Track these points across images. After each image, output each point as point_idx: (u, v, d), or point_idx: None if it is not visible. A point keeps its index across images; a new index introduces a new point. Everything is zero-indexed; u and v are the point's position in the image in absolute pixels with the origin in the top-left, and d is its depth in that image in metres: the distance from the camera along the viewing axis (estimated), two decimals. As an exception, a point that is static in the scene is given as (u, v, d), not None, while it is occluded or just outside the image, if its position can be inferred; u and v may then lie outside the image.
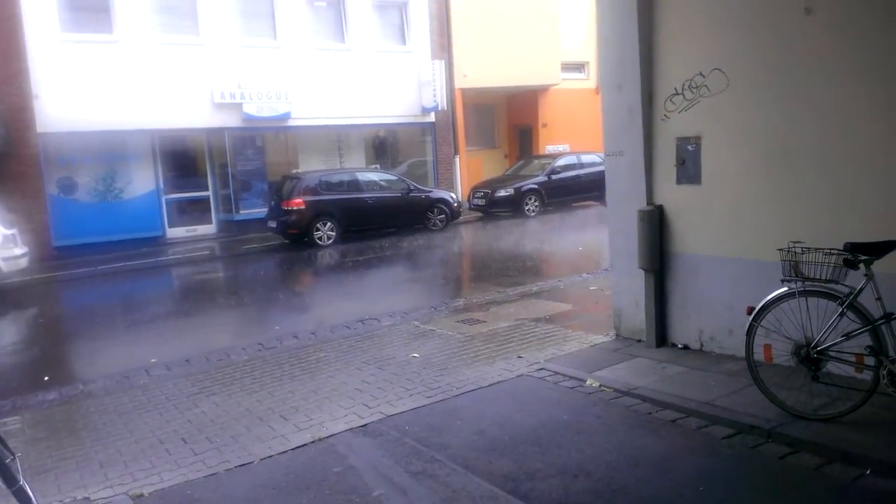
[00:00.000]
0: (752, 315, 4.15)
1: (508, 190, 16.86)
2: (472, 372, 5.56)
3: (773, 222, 4.76)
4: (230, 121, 16.32)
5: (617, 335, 6.11)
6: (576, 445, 4.00)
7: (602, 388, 4.88)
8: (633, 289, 5.82)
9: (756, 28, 4.76)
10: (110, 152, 15.30)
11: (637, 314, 5.83)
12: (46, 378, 6.38)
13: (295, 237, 14.39)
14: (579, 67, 22.40)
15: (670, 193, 5.47)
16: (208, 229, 16.71)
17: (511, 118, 22.73)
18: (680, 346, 5.53)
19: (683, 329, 5.51)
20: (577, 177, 17.79)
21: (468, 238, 15.19)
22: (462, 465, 3.87)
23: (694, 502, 3.33)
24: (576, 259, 11.55)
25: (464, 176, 19.81)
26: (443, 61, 18.59)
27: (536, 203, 16.99)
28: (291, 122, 17.11)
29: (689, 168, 5.31)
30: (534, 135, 22.02)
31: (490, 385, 5.21)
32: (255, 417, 4.96)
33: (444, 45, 19.19)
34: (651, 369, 5.13)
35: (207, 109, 15.95)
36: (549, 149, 21.32)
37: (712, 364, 5.08)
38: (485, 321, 7.27)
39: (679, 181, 5.39)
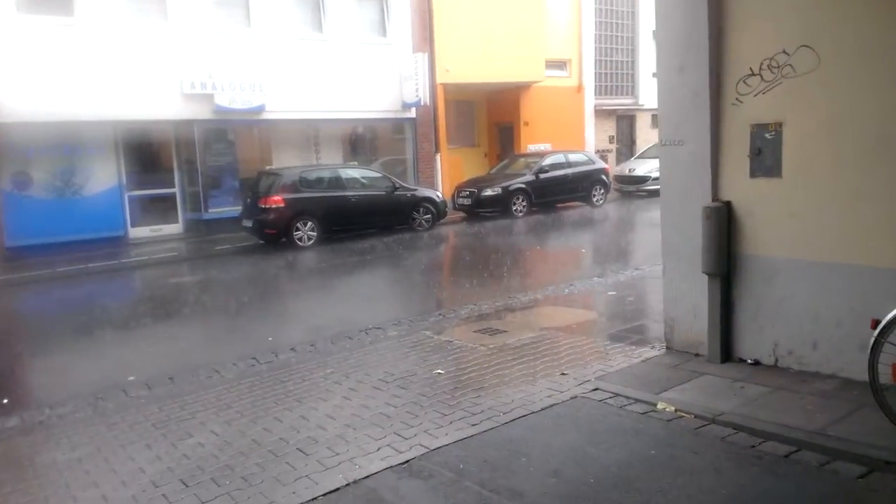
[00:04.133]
0: (878, 329, 3.50)
1: (496, 189, 16.16)
2: (514, 392, 4.81)
3: (873, 222, 4.14)
4: (200, 112, 15.24)
5: (668, 348, 5.44)
6: (683, 491, 3.28)
7: (679, 413, 4.18)
8: (692, 296, 5.15)
9: (856, -2, 4.13)
10: (70, 145, 14.07)
11: (695, 325, 5.16)
12: (4, 401, 5.41)
13: (272, 238, 13.43)
14: (562, 65, 21.88)
15: (742, 188, 4.81)
16: (174, 229, 15.59)
17: (491, 115, 22.08)
18: (749, 361, 4.88)
19: (754, 342, 4.86)
20: (565, 176, 17.22)
21: (458, 239, 14.41)
22: (549, 520, 3.11)
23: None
24: (580, 262, 10.93)
25: (445, 174, 19.07)
26: (425, 55, 17.81)
27: (524, 203, 16.34)
28: (266, 116, 16.10)
29: (766, 159, 4.66)
30: (515, 133, 21.40)
31: (543, 409, 4.47)
32: (266, 451, 4.12)
33: (425, 38, 18.41)
34: (727, 390, 4.46)
35: (176, 100, 14.86)
36: (531, 147, 20.74)
37: (797, 383, 4.44)
38: (505, 331, 6.54)
39: (753, 174, 4.74)
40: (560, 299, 7.88)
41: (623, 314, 6.98)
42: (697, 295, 5.11)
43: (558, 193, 17.16)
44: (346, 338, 6.67)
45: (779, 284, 4.67)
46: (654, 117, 25.01)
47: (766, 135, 4.65)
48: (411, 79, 17.65)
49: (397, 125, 18.92)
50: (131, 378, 5.79)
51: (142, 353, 6.91)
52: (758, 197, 4.74)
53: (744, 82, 4.74)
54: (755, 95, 4.68)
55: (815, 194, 4.43)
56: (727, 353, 4.98)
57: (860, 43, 4.12)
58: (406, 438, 4.16)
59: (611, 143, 23.74)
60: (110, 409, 5.08)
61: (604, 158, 20.38)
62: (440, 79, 18.61)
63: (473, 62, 18.76)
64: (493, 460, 3.76)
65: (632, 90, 24.37)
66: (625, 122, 24.55)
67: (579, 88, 22.32)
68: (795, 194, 4.53)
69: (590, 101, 22.62)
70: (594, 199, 17.65)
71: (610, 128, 23.87)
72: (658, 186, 18.02)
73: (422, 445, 4.03)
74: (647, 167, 19.54)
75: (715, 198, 4.94)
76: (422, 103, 17.80)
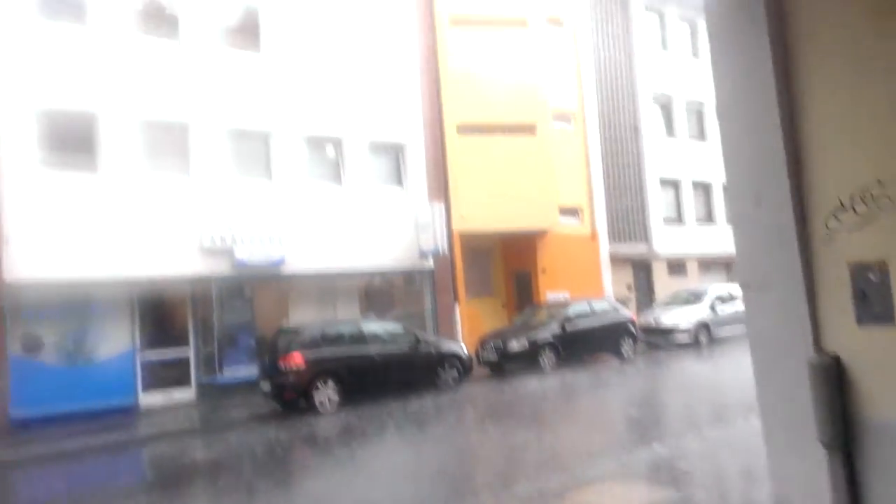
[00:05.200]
0: None
1: (522, 342, 15.49)
2: None
3: None
4: (219, 268, 15.01)
5: (781, 533, 4.58)
6: None
7: None
8: (806, 470, 4.39)
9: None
10: (83, 305, 13.71)
11: None
12: None
13: (292, 403, 12.50)
14: (574, 212, 22.11)
15: (849, 337, 4.21)
16: (187, 394, 14.80)
17: (507, 264, 21.98)
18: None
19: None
20: (592, 327, 16.59)
21: (492, 401, 13.25)
22: None
23: None
24: (634, 424, 9.99)
25: (464, 326, 18.55)
26: (441, 203, 17.99)
27: (553, 357, 15.62)
28: (285, 269, 15.91)
29: (873, 304, 4.10)
30: (533, 281, 21.15)
31: None
32: None
33: (441, 187, 18.70)
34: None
35: (195, 256, 14.69)
36: (550, 296, 20.36)
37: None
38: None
39: (861, 321, 4.15)
40: (627, 471, 7.00)
41: (709, 491, 6.12)
42: (813, 468, 4.36)
43: (586, 345, 16.46)
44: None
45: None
46: (671, 265, 25.08)
47: (870, 275, 4.14)
48: (428, 227, 17.61)
49: (415, 276, 18.67)
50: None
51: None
52: (870, 348, 4.12)
53: (834, 216, 4.29)
54: (849, 231, 4.24)
55: (943, 344, 3.85)
56: (860, 539, 4.14)
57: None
58: None
59: (629, 290, 23.43)
60: None
61: (624, 307, 19.91)
62: (456, 226, 18.65)
63: (488, 209, 18.93)
64: None
65: (645, 237, 24.47)
66: (641, 270, 24.40)
67: (593, 236, 22.40)
68: (919, 345, 3.94)
69: (604, 248, 22.63)
70: (624, 352, 16.90)
71: (627, 275, 23.68)
72: (687, 340, 17.24)
73: None
74: (672, 317, 18.83)
75: (818, 350, 4.36)
76: (440, 252, 17.66)
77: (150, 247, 14.04)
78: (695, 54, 26.05)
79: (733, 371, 15.86)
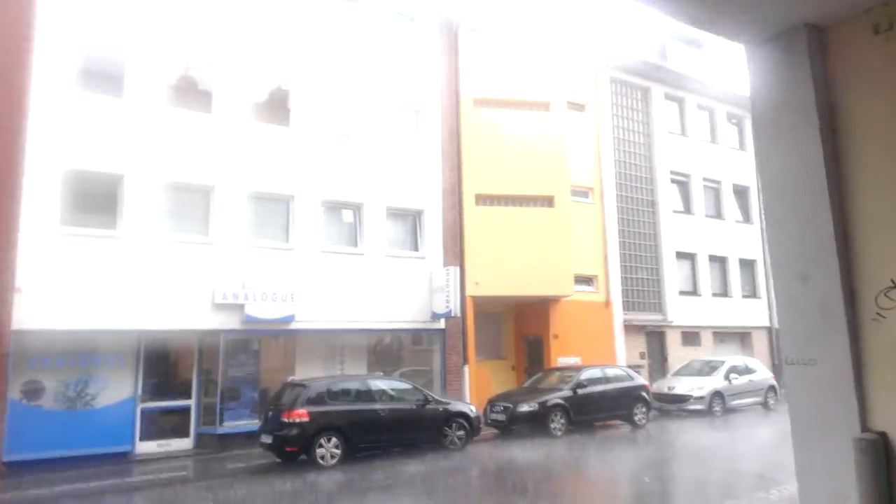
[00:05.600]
0: None
1: (532, 405, 15.09)
2: None
3: None
4: (229, 322, 14.85)
5: None
6: None
7: None
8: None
9: None
10: (89, 353, 13.51)
11: None
12: None
13: (292, 455, 12.23)
14: (589, 281, 21.91)
15: (897, 414, 3.98)
16: (184, 444, 14.41)
17: (519, 328, 21.65)
18: None
19: None
20: (605, 392, 16.22)
21: (500, 463, 12.85)
22: None
23: None
24: (650, 494, 9.58)
25: (472, 387, 18.14)
26: (456, 268, 17.88)
27: (563, 421, 15.17)
28: (294, 325, 15.70)
29: (924, 379, 3.89)
30: (544, 346, 20.76)
31: None
32: None
33: (456, 252, 18.65)
34: None
35: (206, 310, 14.55)
36: (561, 361, 19.96)
37: None
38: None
39: (910, 398, 3.94)
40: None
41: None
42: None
43: (598, 411, 16.04)
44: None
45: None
46: (685, 334, 24.69)
47: (920, 351, 3.93)
48: (442, 291, 17.52)
49: (425, 335, 18.44)
50: None
51: None
52: (921, 425, 3.88)
53: (885, 295, 4.10)
54: (900, 309, 4.05)
55: None
56: None
57: None
58: None
59: (642, 358, 22.96)
60: None
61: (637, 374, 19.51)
62: (469, 291, 18.49)
63: (502, 276, 18.77)
64: None
65: (659, 307, 24.16)
66: (655, 339, 23.99)
67: (607, 304, 22.12)
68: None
69: (618, 316, 22.31)
70: (636, 419, 16.44)
71: (640, 344, 23.26)
72: (700, 406, 17.07)
73: None
74: (686, 385, 18.65)
75: (865, 428, 4.09)
76: (452, 314, 17.47)
77: (162, 301, 13.93)
78: (713, 140, 26.83)
79: (747, 440, 15.46)
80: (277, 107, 16.82)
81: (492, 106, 19.99)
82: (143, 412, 13.94)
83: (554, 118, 20.66)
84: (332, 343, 16.88)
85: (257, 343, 16.02)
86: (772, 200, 4.46)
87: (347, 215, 17.54)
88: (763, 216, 4.80)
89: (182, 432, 14.50)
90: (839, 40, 3.50)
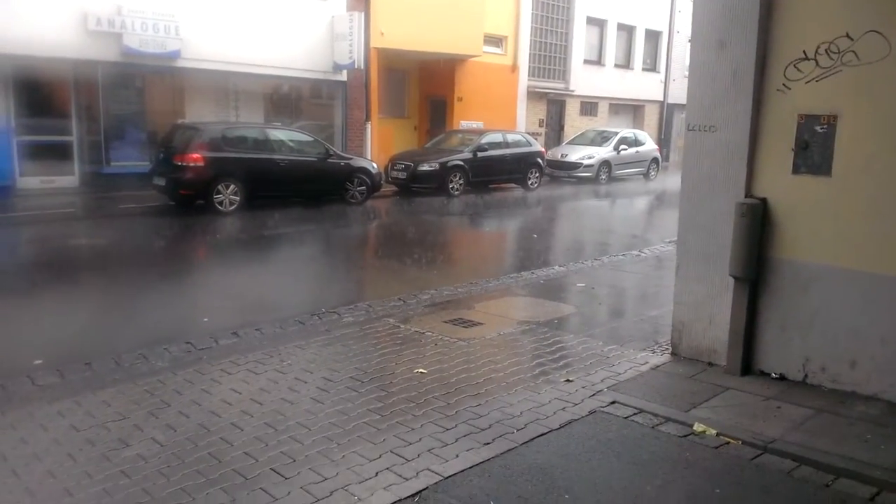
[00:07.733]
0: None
1: (433, 164, 15.35)
2: (518, 400, 4.14)
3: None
4: (106, 53, 13.47)
5: (674, 354, 4.95)
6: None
7: (723, 438, 3.66)
8: (709, 300, 4.67)
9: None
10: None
11: (710, 331, 4.69)
12: None
13: (187, 199, 12.05)
14: (498, 42, 21.24)
15: (782, 184, 4.33)
16: (69, 181, 13.82)
17: (424, 88, 21.15)
18: (774, 375, 4.45)
19: (781, 355, 4.43)
20: (504, 157, 16.67)
21: (397, 216, 13.47)
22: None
23: None
24: (534, 248, 10.39)
25: (374, 144, 18.05)
26: (361, 14, 16.64)
27: (461, 181, 15.66)
28: (180, 63, 14.46)
29: (813, 154, 4.19)
30: (448, 108, 20.61)
31: (562, 427, 3.81)
32: (230, 471, 3.25)
33: (362, -3, 17.22)
34: (763, 410, 3.99)
35: (78, 36, 13.03)
36: (464, 124, 20.05)
37: (836, 405, 4.03)
38: (481, 322, 5.85)
39: (797, 170, 4.26)
40: (524, 288, 7.27)
41: (601, 310, 6.47)
42: (715, 299, 4.63)
43: (495, 174, 16.60)
44: (296, 322, 5.75)
45: (815, 294, 4.24)
46: (584, 104, 25.19)
47: (817, 128, 4.18)
48: (345, 38, 16.47)
49: (326, 87, 17.69)
50: (38, 362, 4.71)
51: (46, 331, 5.73)
52: (800, 196, 4.27)
53: (794, 66, 4.23)
54: (807, 82, 4.19)
55: (868, 196, 4.01)
56: (747, 364, 4.54)
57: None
58: (408, 460, 3.40)
59: (540, 126, 23.46)
60: (15, 401, 4.00)
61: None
62: (374, 43, 17.47)
63: (410, 29, 17.76)
64: (529, 497, 3.08)
65: (563, 75, 24.15)
66: (555, 107, 24.34)
67: (514, 68, 21.79)
68: (845, 195, 4.09)
69: (523, 81, 22.18)
70: (529, 183, 17.24)
71: (541, 111, 23.58)
72: (588, 174, 18.21)
73: (431, 471, 3.28)
74: (578, 154, 19.49)
75: (749, 193, 4.44)
76: (356, 66, 16.67)
77: (26, 21, 12.31)
78: None
79: (627, 206, 16.89)
80: None
81: None
82: (21, 145, 13.02)
83: None
84: (224, 86, 15.89)
85: (141, 80, 14.84)
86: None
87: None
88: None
89: (66, 170, 13.81)
90: None
